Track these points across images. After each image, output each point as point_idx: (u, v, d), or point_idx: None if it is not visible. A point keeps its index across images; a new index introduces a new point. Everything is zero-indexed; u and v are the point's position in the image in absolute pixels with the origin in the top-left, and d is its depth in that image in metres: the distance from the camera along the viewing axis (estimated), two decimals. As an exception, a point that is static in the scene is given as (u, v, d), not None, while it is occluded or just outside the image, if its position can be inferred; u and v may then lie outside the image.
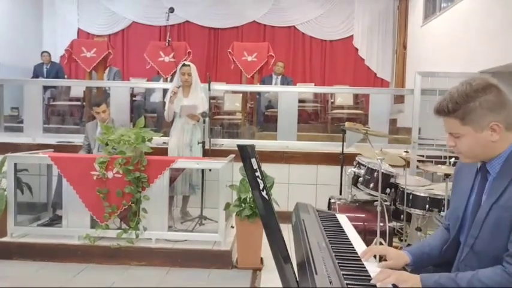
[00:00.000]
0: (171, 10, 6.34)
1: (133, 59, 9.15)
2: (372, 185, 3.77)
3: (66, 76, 8.36)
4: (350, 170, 3.97)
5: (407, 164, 4.31)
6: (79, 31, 9.47)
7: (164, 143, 4.76)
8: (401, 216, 3.82)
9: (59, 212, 4.05)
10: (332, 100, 7.43)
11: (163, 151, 4.58)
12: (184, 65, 4.47)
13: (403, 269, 1.60)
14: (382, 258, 1.62)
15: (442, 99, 1.46)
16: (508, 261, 1.32)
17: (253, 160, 1.30)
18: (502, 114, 1.40)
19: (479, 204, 1.47)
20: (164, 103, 4.60)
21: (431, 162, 4.50)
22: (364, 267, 1.45)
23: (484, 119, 1.39)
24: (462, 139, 1.44)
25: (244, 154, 1.31)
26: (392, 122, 6.95)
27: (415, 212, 3.60)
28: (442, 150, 4.82)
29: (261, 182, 1.29)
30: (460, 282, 1.33)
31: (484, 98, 1.39)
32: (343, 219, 2.05)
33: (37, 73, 7.81)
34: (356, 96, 7.59)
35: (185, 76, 4.38)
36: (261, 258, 3.61)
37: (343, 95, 7.45)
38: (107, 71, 7.07)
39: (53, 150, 4.41)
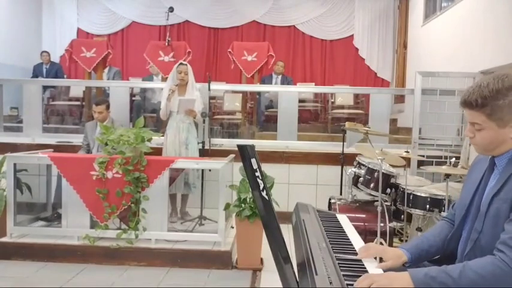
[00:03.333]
0: (171, 10, 6.33)
1: (133, 58, 9.15)
2: (372, 185, 3.76)
3: (65, 76, 8.36)
4: (350, 170, 3.96)
5: (408, 164, 4.30)
6: (79, 31, 9.47)
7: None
8: (402, 216, 3.81)
9: (59, 210, 4.04)
10: (332, 100, 7.43)
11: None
12: (181, 63, 4.50)
13: (403, 266, 1.58)
14: (382, 259, 1.61)
15: (470, 91, 1.42)
16: (499, 249, 1.30)
17: (253, 160, 1.29)
18: None
19: (482, 196, 1.48)
20: (159, 102, 4.59)
21: (432, 162, 4.50)
22: (365, 268, 1.44)
23: (510, 117, 1.38)
24: (483, 132, 1.43)
25: (244, 154, 1.30)
26: (393, 121, 6.94)
27: (416, 212, 3.59)
28: (442, 150, 4.82)
29: (261, 182, 1.28)
30: (452, 273, 1.29)
31: None
32: (343, 219, 2.04)
33: (36, 73, 7.82)
34: (356, 96, 7.58)
35: (182, 74, 4.39)
36: (261, 259, 3.60)
37: (343, 94, 7.44)
38: (106, 70, 7.05)
39: (52, 150, 4.40)
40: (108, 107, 4.53)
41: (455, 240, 1.58)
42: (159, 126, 5.86)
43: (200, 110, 4.43)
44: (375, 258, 1.58)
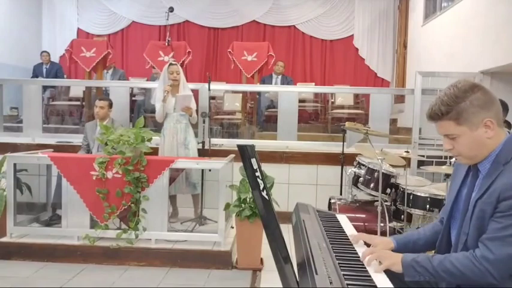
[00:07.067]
0: (171, 10, 6.31)
1: (133, 58, 9.15)
2: (372, 185, 3.76)
3: (65, 76, 8.36)
4: (350, 170, 3.96)
5: (408, 164, 4.31)
6: (79, 31, 9.47)
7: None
8: (402, 216, 3.81)
9: (59, 212, 4.05)
10: (332, 100, 7.43)
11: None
12: (171, 64, 4.49)
13: None
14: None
15: (432, 105, 1.49)
16: (478, 246, 1.40)
17: (253, 160, 1.30)
18: (492, 111, 1.44)
19: (467, 202, 1.52)
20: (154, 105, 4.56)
21: (432, 162, 4.51)
22: (365, 268, 1.45)
23: (477, 117, 1.43)
24: (459, 140, 1.46)
25: (244, 154, 1.31)
26: (393, 121, 6.95)
27: (416, 212, 3.60)
28: (442, 150, 4.81)
29: (261, 182, 1.29)
30: (433, 261, 1.43)
31: (473, 96, 1.43)
32: (343, 219, 2.04)
33: (36, 73, 7.82)
34: (356, 96, 7.59)
35: (174, 74, 4.37)
36: (261, 259, 3.60)
37: (343, 94, 7.45)
38: (111, 71, 7.06)
39: (52, 150, 4.40)
40: (110, 106, 4.54)
41: (444, 245, 1.62)
42: (159, 126, 5.87)
43: (195, 108, 4.42)
44: (365, 243, 1.73)
